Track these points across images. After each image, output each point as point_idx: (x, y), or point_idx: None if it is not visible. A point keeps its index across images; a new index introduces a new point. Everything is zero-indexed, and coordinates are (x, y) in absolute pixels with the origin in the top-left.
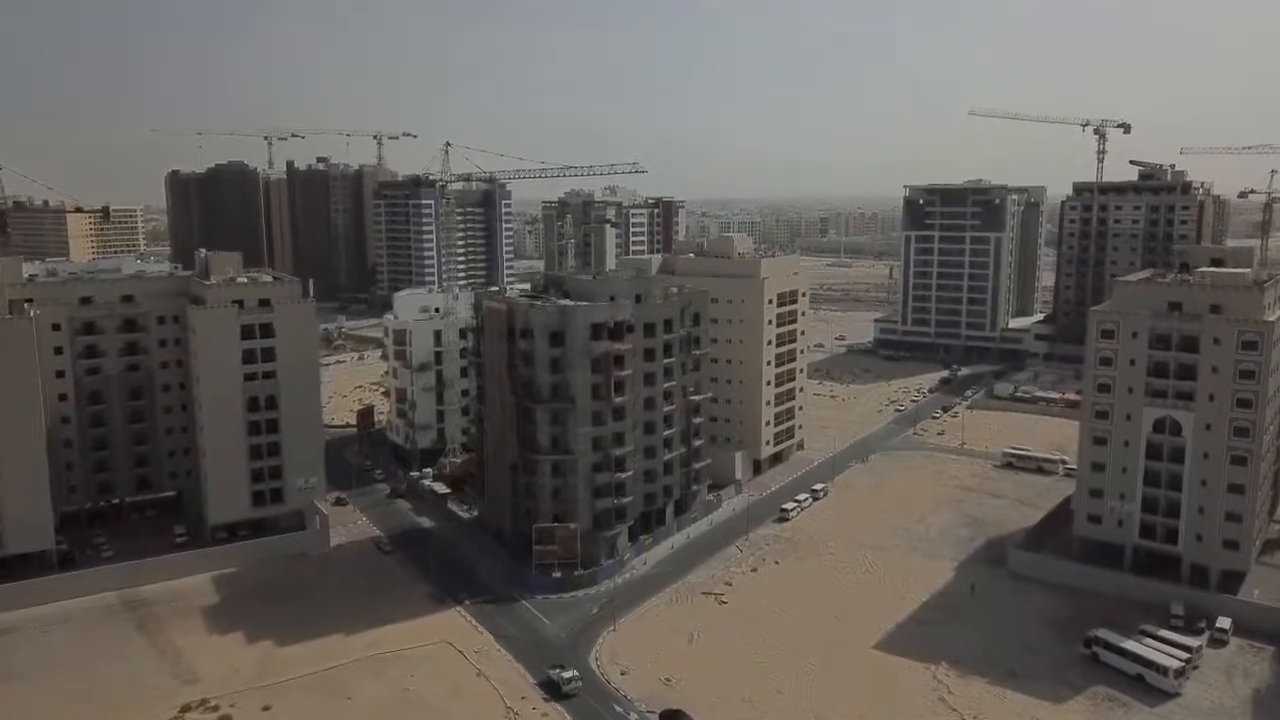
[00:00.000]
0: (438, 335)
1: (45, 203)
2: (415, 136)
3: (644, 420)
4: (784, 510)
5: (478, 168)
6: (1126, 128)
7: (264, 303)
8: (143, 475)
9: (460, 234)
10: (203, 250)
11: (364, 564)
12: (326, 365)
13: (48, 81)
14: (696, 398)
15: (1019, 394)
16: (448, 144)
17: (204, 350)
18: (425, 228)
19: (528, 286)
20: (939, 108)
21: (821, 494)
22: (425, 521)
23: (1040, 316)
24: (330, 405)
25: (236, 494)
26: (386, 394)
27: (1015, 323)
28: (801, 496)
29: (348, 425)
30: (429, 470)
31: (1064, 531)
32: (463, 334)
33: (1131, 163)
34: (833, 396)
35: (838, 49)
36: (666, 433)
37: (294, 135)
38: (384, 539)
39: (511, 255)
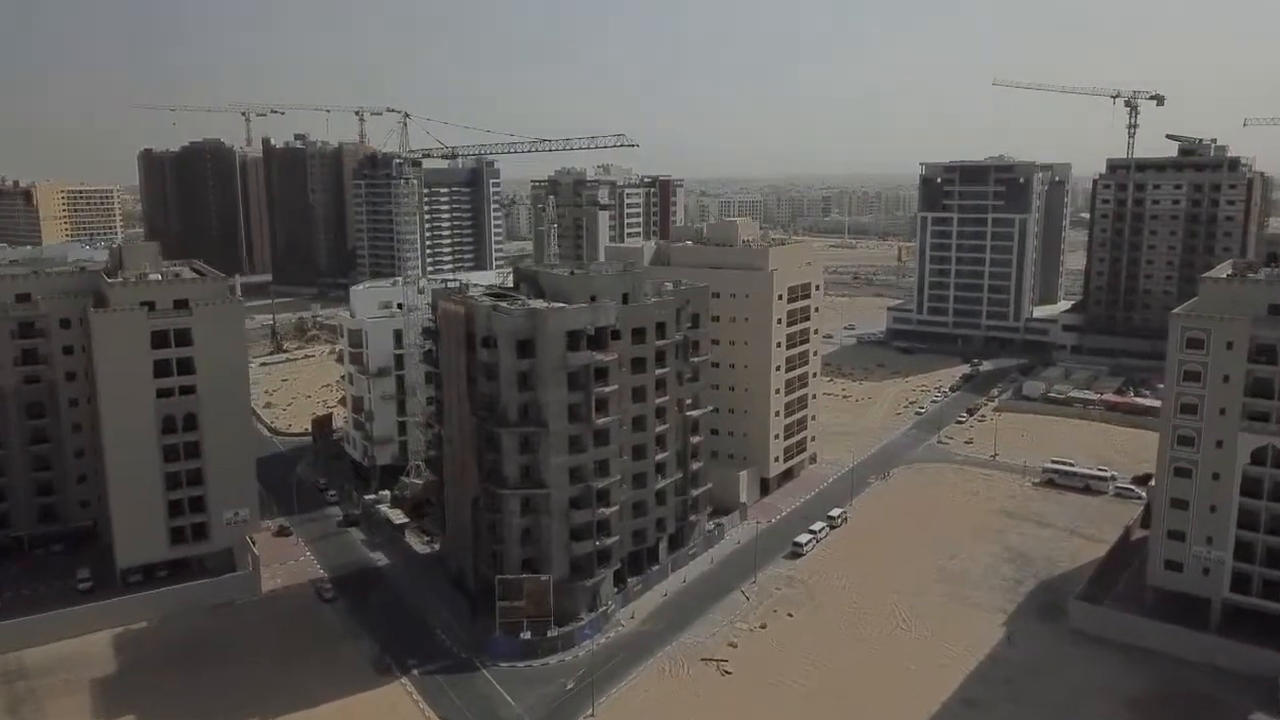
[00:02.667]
0: (399, 335)
1: (15, 183)
2: (399, 112)
3: (632, 444)
4: (796, 544)
5: (439, 142)
6: (1160, 99)
7: (180, 304)
8: (47, 505)
9: (445, 215)
10: (117, 240)
11: (298, 616)
12: (295, 360)
13: (14, 54)
14: (695, 413)
15: (1051, 394)
16: (406, 115)
17: (107, 361)
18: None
19: (497, 281)
20: (950, 81)
21: (839, 521)
22: (378, 558)
23: (1067, 305)
24: (290, 408)
25: (151, 531)
26: (343, 401)
27: (1039, 311)
28: (816, 526)
29: (306, 433)
30: (387, 492)
31: (1130, 575)
32: (426, 334)
33: (1169, 137)
34: (845, 396)
35: (837, 20)
36: (659, 456)
37: (273, 111)
38: (326, 582)
39: (502, 237)
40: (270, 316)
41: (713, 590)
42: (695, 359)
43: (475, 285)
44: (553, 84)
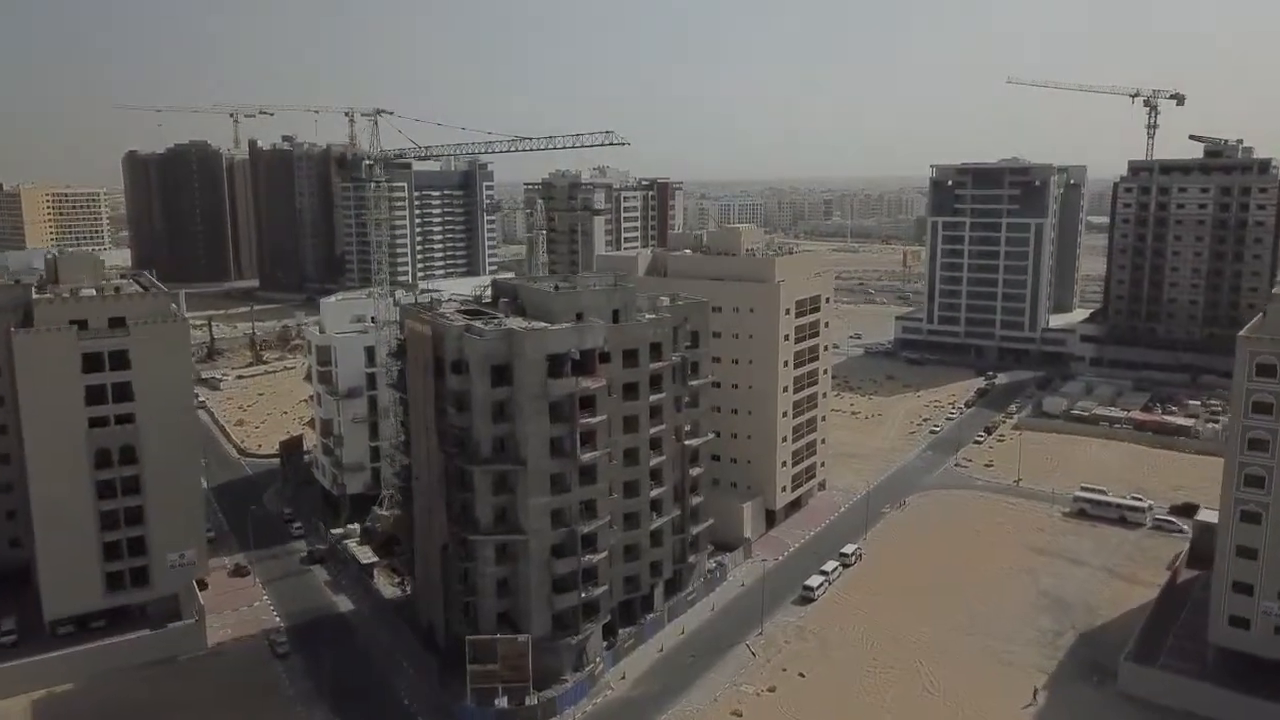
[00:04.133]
0: (370, 353)
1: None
2: (391, 113)
3: (623, 480)
4: (807, 587)
5: (412, 141)
6: (1180, 99)
7: (116, 322)
8: None
9: (437, 219)
10: (52, 249)
11: (246, 676)
12: (274, 371)
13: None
14: (694, 442)
15: (1075, 411)
16: (377, 113)
17: (31, 386)
18: (397, 213)
19: (474, 295)
20: (955, 81)
21: (853, 559)
22: (342, 602)
23: (1084, 314)
24: (263, 426)
25: (83, 577)
26: (310, 424)
27: (1056, 320)
28: (828, 565)
29: (276, 455)
30: (356, 526)
31: (1183, 628)
32: (398, 353)
33: (1192, 138)
34: (854, 413)
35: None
36: (654, 493)
37: (262, 112)
38: (280, 633)
39: (496, 241)
40: (250, 325)
41: (714, 643)
42: (694, 382)
43: (453, 297)
44: (553, 85)
